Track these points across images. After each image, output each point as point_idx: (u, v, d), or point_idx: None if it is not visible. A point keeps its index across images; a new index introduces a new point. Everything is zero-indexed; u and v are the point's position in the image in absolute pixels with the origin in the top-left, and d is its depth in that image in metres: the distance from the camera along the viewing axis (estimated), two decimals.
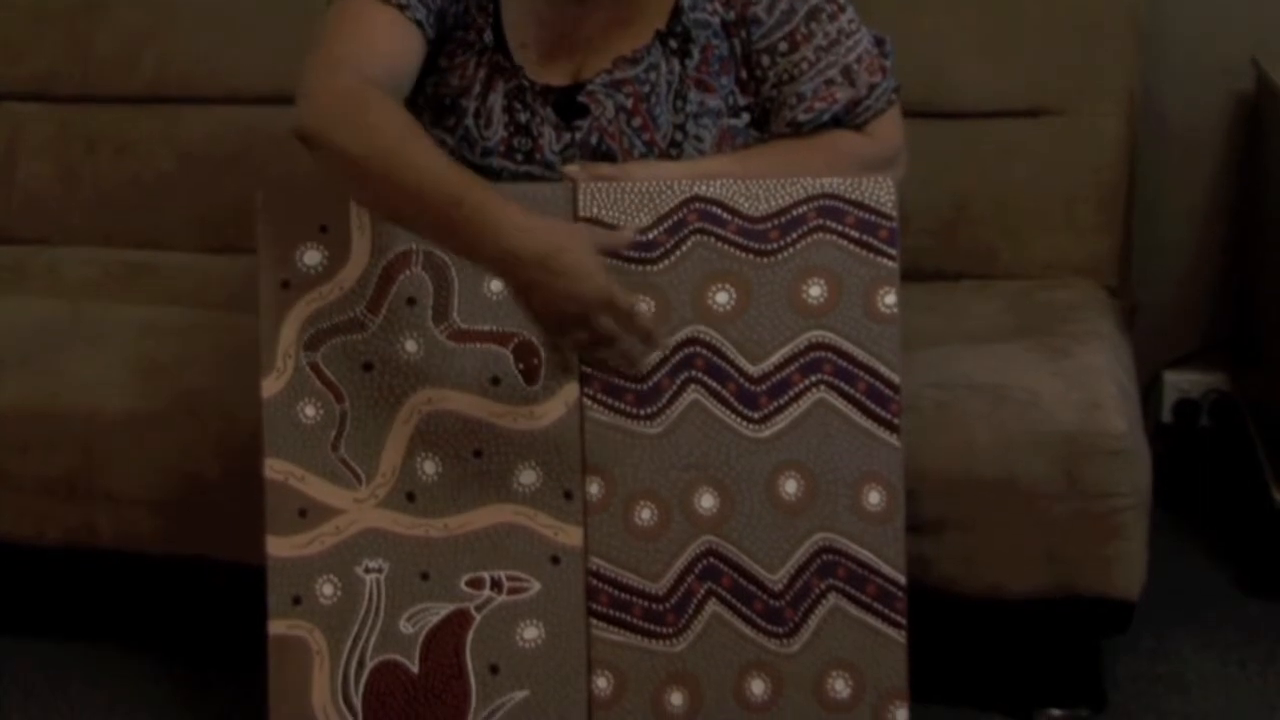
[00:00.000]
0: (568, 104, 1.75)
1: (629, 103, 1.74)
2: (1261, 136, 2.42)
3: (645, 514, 1.70)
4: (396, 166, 1.56)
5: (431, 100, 1.78)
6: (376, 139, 1.57)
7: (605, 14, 1.75)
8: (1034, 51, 2.32)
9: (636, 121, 1.74)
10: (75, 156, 2.57)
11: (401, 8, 1.69)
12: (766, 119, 1.77)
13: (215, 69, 2.53)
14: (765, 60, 1.75)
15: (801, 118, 1.75)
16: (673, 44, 1.75)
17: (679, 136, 1.74)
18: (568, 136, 1.74)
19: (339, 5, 1.69)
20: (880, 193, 1.68)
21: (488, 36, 1.76)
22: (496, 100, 1.75)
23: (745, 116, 1.77)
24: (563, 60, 1.76)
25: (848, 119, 1.76)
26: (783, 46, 1.75)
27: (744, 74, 1.77)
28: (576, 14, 1.76)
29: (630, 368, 1.63)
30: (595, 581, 1.71)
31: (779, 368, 1.68)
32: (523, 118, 1.75)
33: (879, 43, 1.79)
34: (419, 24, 1.70)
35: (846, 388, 1.68)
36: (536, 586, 1.72)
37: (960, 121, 2.32)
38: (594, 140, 1.74)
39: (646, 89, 1.74)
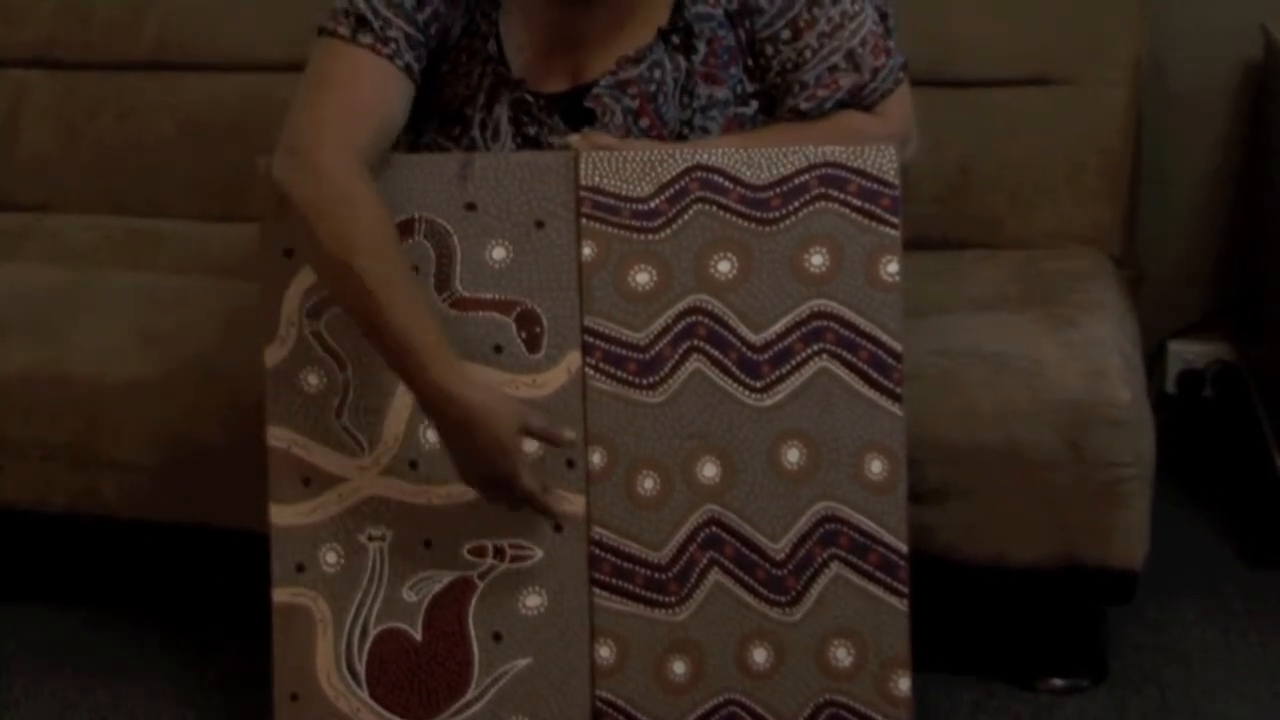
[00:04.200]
0: (574, 108, 1.74)
1: (635, 104, 1.72)
2: (1269, 104, 2.41)
3: (648, 483, 1.70)
4: (368, 288, 1.59)
5: (436, 106, 1.76)
6: (354, 252, 1.60)
7: (605, 13, 1.72)
8: (1041, 19, 2.31)
9: (644, 122, 1.72)
10: (77, 123, 2.57)
11: (390, 57, 1.66)
12: (774, 106, 1.76)
13: (217, 35, 2.53)
14: (769, 49, 1.73)
15: (804, 106, 1.73)
16: (675, 40, 1.73)
17: (685, 131, 1.73)
18: None
19: (326, 48, 1.67)
20: (882, 161, 1.67)
21: (491, 46, 1.74)
22: (502, 113, 1.74)
23: (754, 104, 1.76)
24: (559, 61, 1.74)
25: (854, 103, 1.75)
26: (785, 34, 1.73)
27: (750, 62, 1.75)
28: (572, 14, 1.72)
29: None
30: (598, 550, 1.71)
31: (781, 336, 1.68)
32: (531, 130, 1.73)
33: (882, 17, 1.78)
34: (406, 68, 1.68)
35: (848, 356, 1.67)
36: (539, 555, 1.72)
37: (966, 89, 2.31)
38: None
39: (652, 88, 1.73)
